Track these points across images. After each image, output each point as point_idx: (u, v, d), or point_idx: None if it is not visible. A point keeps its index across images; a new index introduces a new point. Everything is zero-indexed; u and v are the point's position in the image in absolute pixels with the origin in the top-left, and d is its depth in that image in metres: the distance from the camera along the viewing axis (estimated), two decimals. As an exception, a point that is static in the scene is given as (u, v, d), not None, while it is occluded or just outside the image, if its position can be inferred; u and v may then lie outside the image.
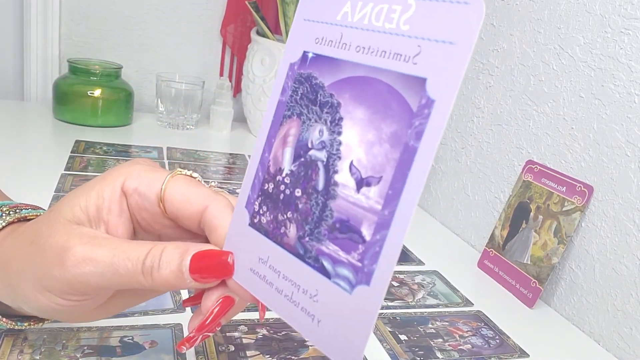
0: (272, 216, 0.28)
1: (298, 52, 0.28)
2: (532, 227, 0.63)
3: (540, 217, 0.62)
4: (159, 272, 0.28)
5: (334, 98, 0.26)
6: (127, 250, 0.29)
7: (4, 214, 0.34)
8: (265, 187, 0.28)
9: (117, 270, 0.29)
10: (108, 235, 0.30)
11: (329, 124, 0.26)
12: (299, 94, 0.27)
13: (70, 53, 1.14)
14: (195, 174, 0.33)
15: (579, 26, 0.61)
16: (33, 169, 0.76)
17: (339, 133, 0.25)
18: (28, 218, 0.35)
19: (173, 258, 0.29)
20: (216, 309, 0.30)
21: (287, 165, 0.27)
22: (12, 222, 0.34)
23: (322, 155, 0.26)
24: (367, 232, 0.24)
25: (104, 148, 0.89)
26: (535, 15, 0.68)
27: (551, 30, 0.65)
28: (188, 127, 1.10)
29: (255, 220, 0.28)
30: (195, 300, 0.33)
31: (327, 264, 0.25)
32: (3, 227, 0.34)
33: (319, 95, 0.26)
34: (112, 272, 0.29)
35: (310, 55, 0.27)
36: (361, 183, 0.24)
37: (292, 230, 0.27)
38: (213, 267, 0.29)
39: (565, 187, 0.61)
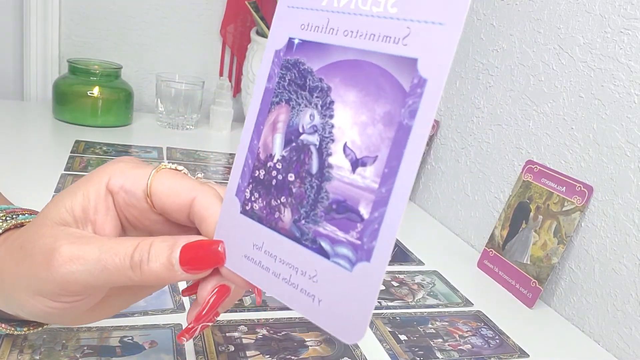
0: (264, 202, 0.28)
1: (283, 38, 0.27)
2: (532, 227, 0.63)
3: (540, 217, 0.63)
4: (148, 265, 0.28)
5: (324, 82, 0.26)
6: (114, 246, 0.29)
7: (0, 220, 0.34)
8: (256, 174, 0.28)
9: (105, 267, 0.28)
10: (95, 234, 0.30)
11: (319, 108, 0.26)
12: (287, 80, 0.27)
13: (70, 53, 1.14)
14: (180, 167, 0.33)
15: (578, 26, 0.61)
16: (33, 169, 0.76)
17: (331, 116, 0.25)
18: (24, 224, 0.35)
19: (162, 251, 0.28)
20: (212, 298, 0.30)
21: (278, 151, 0.27)
22: (9, 229, 0.34)
23: (314, 139, 0.26)
24: (364, 211, 0.24)
25: (104, 148, 0.89)
26: (535, 15, 0.68)
27: (551, 30, 0.65)
28: (188, 127, 1.10)
29: (247, 208, 0.28)
30: (194, 289, 0.33)
31: (325, 245, 0.25)
32: (0, 235, 0.33)
33: (307, 80, 0.26)
34: (100, 268, 0.29)
35: (296, 41, 0.27)
36: (356, 164, 0.25)
37: (286, 215, 0.27)
38: (204, 257, 0.29)
39: (565, 187, 0.61)
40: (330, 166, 0.25)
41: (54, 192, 0.68)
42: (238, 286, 0.30)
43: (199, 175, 0.35)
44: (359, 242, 0.24)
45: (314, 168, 0.26)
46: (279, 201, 0.27)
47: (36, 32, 1.10)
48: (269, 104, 0.28)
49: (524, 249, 0.63)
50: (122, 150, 0.89)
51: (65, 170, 0.76)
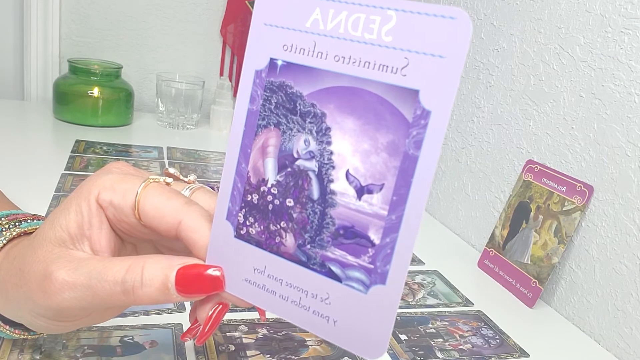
0: (262, 226, 0.27)
1: (264, 58, 0.27)
2: (532, 226, 0.63)
3: (541, 216, 0.62)
4: (142, 290, 0.28)
5: (317, 108, 0.25)
6: (102, 271, 0.28)
7: (3, 229, 0.34)
8: (249, 199, 0.28)
9: (96, 293, 0.28)
10: (87, 256, 0.30)
11: (315, 134, 0.26)
12: (273, 103, 0.26)
13: (70, 53, 1.14)
14: (169, 178, 0.32)
15: (579, 26, 0.61)
16: (33, 169, 0.76)
17: (329, 143, 0.25)
18: (28, 232, 0.35)
19: (156, 274, 0.28)
20: (213, 316, 0.30)
21: (272, 175, 0.27)
22: (13, 239, 0.34)
23: (312, 165, 0.26)
24: (375, 236, 0.24)
25: (104, 148, 0.89)
26: (536, 15, 0.68)
27: (551, 30, 0.65)
28: (188, 126, 1.10)
29: (242, 232, 0.28)
30: (194, 331, 0.33)
31: (335, 269, 0.26)
32: (4, 245, 0.33)
33: (298, 105, 0.26)
34: (91, 295, 0.28)
35: (279, 62, 0.26)
36: (362, 191, 0.25)
37: (289, 239, 0.27)
38: (202, 283, 0.28)
39: (565, 187, 0.61)
40: (333, 192, 0.25)
41: (55, 191, 0.68)
42: (241, 306, 0.30)
43: (191, 177, 0.34)
44: (371, 266, 0.25)
45: (315, 194, 0.26)
46: (278, 226, 0.27)
47: (36, 31, 1.10)
48: (255, 127, 0.27)
49: (525, 249, 0.63)
50: (123, 150, 0.89)
51: (65, 170, 0.76)
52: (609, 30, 0.58)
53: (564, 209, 0.60)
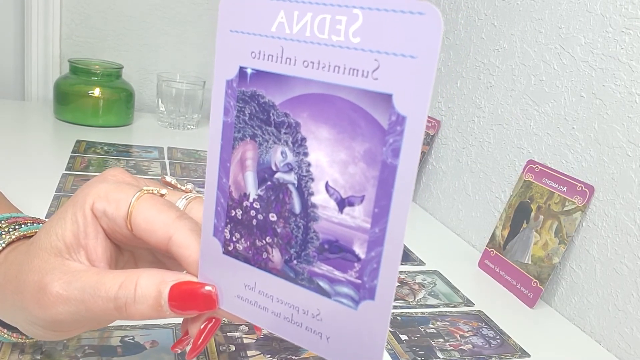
0: (248, 242, 0.27)
1: (233, 67, 0.25)
2: (532, 227, 0.63)
3: (541, 217, 0.62)
4: (135, 307, 0.28)
5: (291, 118, 0.24)
6: (96, 286, 0.28)
7: (3, 233, 0.34)
8: (233, 214, 0.27)
9: (89, 308, 0.28)
10: (82, 267, 0.29)
11: (290, 145, 0.25)
12: (247, 114, 0.25)
13: (70, 53, 1.14)
14: (164, 190, 0.32)
15: (579, 26, 0.61)
16: (34, 169, 0.76)
17: (305, 154, 0.24)
18: (27, 235, 0.35)
19: (149, 291, 0.28)
20: (205, 331, 0.30)
21: (252, 190, 0.26)
22: (12, 242, 0.34)
23: (291, 177, 0.25)
24: (360, 251, 0.24)
25: (105, 148, 0.89)
26: (536, 15, 0.68)
27: (552, 30, 0.65)
28: (189, 127, 1.10)
29: (230, 248, 0.27)
30: (184, 343, 0.33)
31: (323, 284, 0.25)
32: (3, 249, 0.33)
33: (271, 115, 0.25)
34: (85, 309, 0.28)
35: (249, 71, 0.25)
36: (343, 203, 0.24)
37: (276, 255, 0.26)
38: (196, 300, 0.28)
39: (566, 187, 0.61)
40: (314, 206, 0.24)
41: (55, 192, 0.68)
42: (234, 322, 0.30)
43: (188, 186, 0.34)
44: (359, 281, 0.24)
45: (297, 208, 0.25)
46: (264, 241, 0.26)
47: (37, 32, 1.11)
48: (232, 140, 0.26)
49: (525, 249, 0.63)
50: (123, 150, 0.89)
51: (66, 170, 0.76)
52: (609, 30, 0.58)
53: (564, 209, 0.60)
